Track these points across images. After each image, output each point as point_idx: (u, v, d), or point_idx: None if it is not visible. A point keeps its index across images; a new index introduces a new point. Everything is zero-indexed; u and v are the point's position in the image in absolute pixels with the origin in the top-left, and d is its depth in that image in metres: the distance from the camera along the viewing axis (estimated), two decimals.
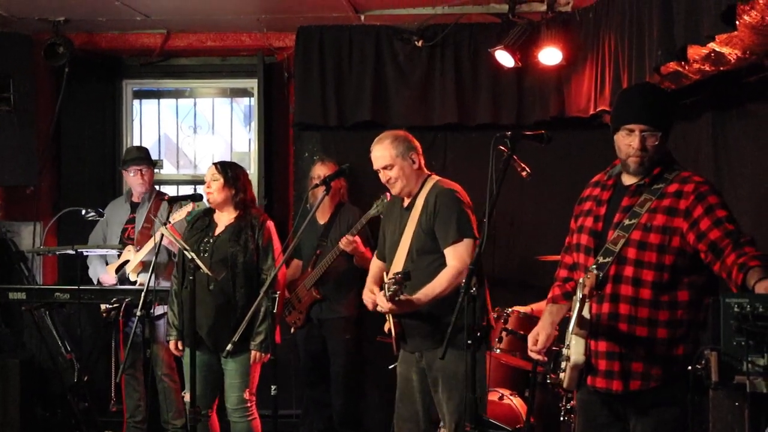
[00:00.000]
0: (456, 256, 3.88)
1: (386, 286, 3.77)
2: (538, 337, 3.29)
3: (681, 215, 2.99)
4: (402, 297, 3.75)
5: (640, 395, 3.06)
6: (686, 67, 3.81)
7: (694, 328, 3.04)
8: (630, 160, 3.09)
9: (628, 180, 3.16)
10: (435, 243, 3.95)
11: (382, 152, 4.06)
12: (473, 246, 3.87)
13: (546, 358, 3.28)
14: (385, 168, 4.06)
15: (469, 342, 3.20)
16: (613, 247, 3.05)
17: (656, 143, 3.05)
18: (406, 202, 4.12)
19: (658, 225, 3.01)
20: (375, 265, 4.36)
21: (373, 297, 4.01)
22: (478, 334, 3.66)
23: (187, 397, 4.45)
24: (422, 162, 4.11)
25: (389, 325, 4.09)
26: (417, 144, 4.12)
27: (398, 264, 4.03)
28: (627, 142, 3.09)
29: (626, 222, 3.06)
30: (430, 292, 3.85)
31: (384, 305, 3.83)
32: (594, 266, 3.05)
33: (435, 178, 4.12)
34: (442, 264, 3.92)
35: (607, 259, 3.05)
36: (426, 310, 3.89)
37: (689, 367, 2.59)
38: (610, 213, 3.15)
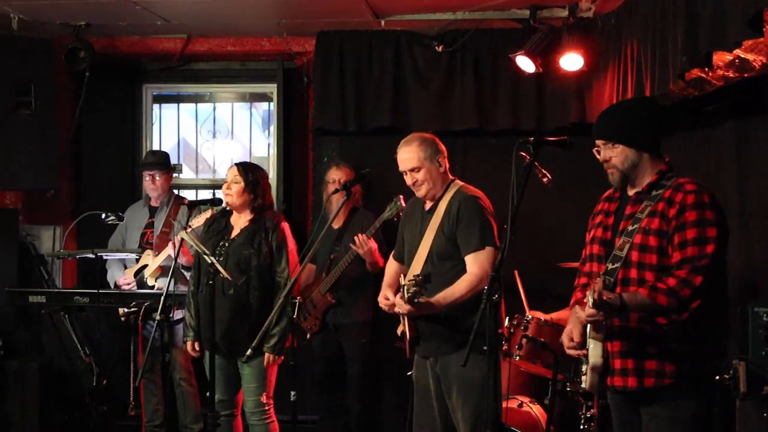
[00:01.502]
0: (477, 263, 3.86)
1: (405, 287, 3.75)
2: (572, 335, 3.29)
3: (666, 221, 3.11)
4: (421, 299, 3.74)
5: (655, 392, 3.12)
6: (710, 74, 3.79)
7: (706, 325, 3.09)
8: (607, 172, 3.29)
9: (631, 191, 3.30)
10: (456, 249, 3.93)
11: (410, 154, 4.01)
12: (494, 254, 3.86)
13: (585, 352, 3.26)
14: (412, 170, 4.01)
15: (485, 348, 3.23)
16: (620, 252, 3.17)
17: (619, 155, 3.21)
18: (428, 205, 4.09)
19: (655, 228, 3.13)
20: (390, 266, 4.33)
21: (388, 302, 4.00)
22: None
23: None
24: (447, 166, 4.08)
25: (403, 327, 4.07)
26: (443, 147, 4.08)
27: (417, 267, 4.01)
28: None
29: (630, 228, 3.19)
30: (449, 296, 3.84)
31: (402, 307, 3.81)
32: (603, 273, 3.18)
33: (459, 183, 4.10)
34: (462, 270, 3.90)
35: (615, 265, 3.17)
36: (443, 314, 3.87)
37: (717, 377, 2.57)
38: (617, 222, 3.29)
